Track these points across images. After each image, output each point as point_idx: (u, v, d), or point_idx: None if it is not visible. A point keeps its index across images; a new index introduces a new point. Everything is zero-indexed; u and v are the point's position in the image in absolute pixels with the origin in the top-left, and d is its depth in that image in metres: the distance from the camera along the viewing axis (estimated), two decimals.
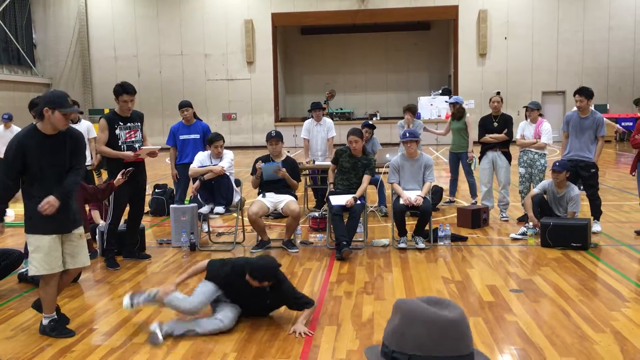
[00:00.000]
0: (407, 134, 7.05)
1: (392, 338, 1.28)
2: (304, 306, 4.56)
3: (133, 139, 6.38)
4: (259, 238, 7.11)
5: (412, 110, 9.51)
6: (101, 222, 7.09)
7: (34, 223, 4.39)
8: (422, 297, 1.34)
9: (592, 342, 4.12)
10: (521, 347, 4.08)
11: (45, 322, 4.54)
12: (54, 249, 4.42)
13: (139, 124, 6.48)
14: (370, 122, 9.56)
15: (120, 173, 5.94)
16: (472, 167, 9.22)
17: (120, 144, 6.29)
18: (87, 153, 8.43)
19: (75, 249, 4.57)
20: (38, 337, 4.46)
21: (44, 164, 4.37)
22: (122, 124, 6.32)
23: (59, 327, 4.53)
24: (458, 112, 9.28)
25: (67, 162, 4.50)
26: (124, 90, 6.23)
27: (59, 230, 4.45)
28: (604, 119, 7.52)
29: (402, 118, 9.66)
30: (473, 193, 9.36)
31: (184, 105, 8.34)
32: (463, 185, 10.31)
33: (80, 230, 4.64)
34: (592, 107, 7.78)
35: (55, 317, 4.57)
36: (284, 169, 6.99)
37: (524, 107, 8.62)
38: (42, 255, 4.37)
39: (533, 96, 21.23)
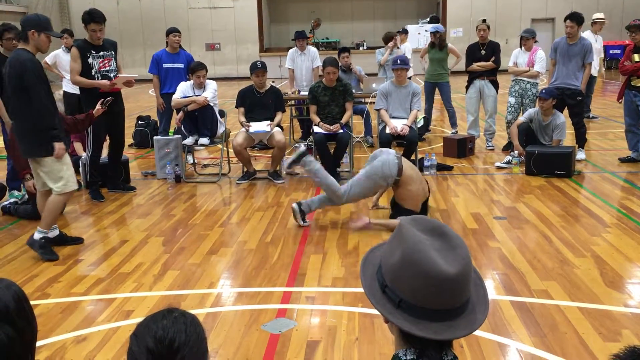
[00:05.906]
0: (399, 61, 6.92)
1: (389, 272, 1.24)
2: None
3: (107, 68, 6.18)
4: (245, 169, 7.09)
5: (390, 37, 9.27)
6: (83, 154, 7.00)
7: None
8: (427, 222, 1.26)
9: (572, 266, 4.21)
10: (503, 272, 4.16)
11: (37, 236, 4.63)
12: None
13: (113, 52, 6.26)
14: (345, 47, 9.38)
15: (100, 102, 5.80)
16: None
17: (94, 73, 6.11)
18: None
19: None
20: (24, 268, 4.47)
21: (46, 81, 4.60)
22: (94, 52, 6.10)
23: (47, 247, 4.63)
24: (440, 41, 9.05)
25: None
26: (91, 18, 5.98)
27: (68, 146, 4.84)
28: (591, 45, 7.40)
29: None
30: (453, 123, 9.30)
31: (173, 30, 7.99)
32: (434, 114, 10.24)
33: None
34: (581, 34, 7.65)
35: (49, 236, 4.67)
36: (273, 123, 6.91)
37: (520, 35, 8.30)
38: (71, 170, 4.69)
39: (522, 24, 20.78)
